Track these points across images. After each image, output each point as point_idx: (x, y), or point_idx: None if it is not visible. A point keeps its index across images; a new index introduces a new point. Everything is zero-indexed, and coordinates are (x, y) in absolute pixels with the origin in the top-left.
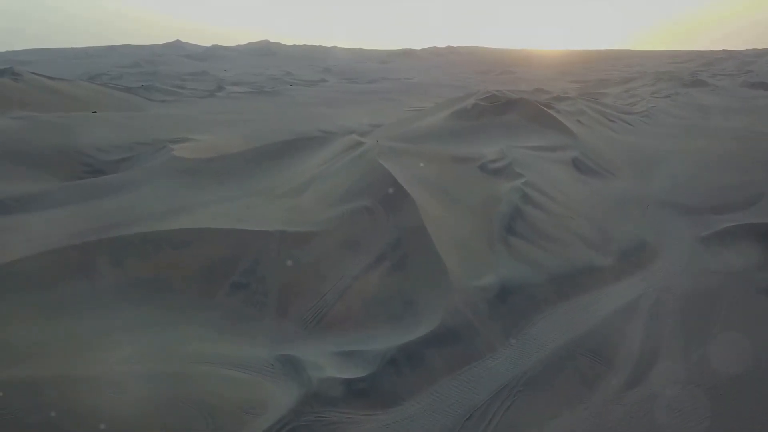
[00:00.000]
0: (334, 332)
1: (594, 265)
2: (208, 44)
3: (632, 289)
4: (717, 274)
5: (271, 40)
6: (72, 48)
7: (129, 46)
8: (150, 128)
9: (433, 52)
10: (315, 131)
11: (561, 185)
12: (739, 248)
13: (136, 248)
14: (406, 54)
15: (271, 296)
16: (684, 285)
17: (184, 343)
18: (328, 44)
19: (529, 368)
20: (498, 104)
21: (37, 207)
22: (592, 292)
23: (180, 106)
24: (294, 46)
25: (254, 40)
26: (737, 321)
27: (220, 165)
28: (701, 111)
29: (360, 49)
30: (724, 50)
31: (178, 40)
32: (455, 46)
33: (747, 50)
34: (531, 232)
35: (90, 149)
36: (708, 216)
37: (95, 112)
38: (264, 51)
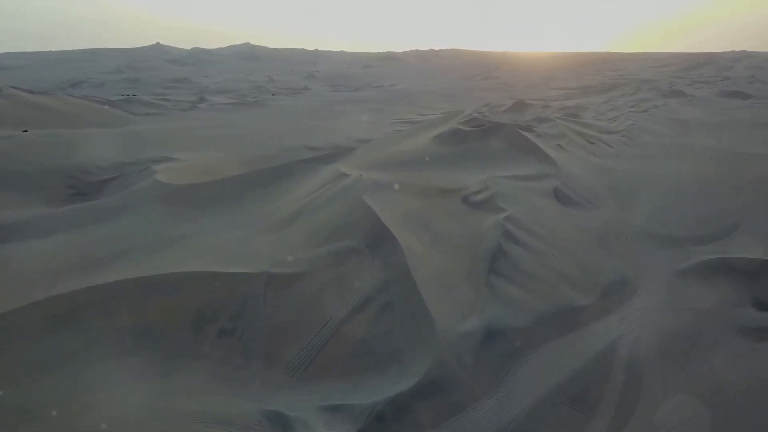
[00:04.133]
0: (321, 381)
1: (575, 305)
2: (188, 47)
3: (613, 329)
4: (694, 311)
5: (253, 43)
6: (51, 51)
7: (109, 49)
8: (134, 146)
9: (416, 56)
10: (301, 147)
11: (542, 219)
12: (716, 283)
13: (125, 296)
14: (390, 58)
15: (258, 342)
16: (663, 323)
17: (172, 400)
18: (310, 47)
19: (513, 418)
20: (479, 130)
21: (23, 236)
22: (573, 333)
23: (163, 120)
24: (276, 49)
25: (236, 43)
26: (715, 361)
27: (206, 192)
28: (680, 127)
29: (342, 51)
30: (703, 53)
31: (158, 44)
32: (437, 49)
33: (725, 52)
34: (513, 271)
35: (74, 170)
36: (686, 247)
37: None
38: (246, 55)
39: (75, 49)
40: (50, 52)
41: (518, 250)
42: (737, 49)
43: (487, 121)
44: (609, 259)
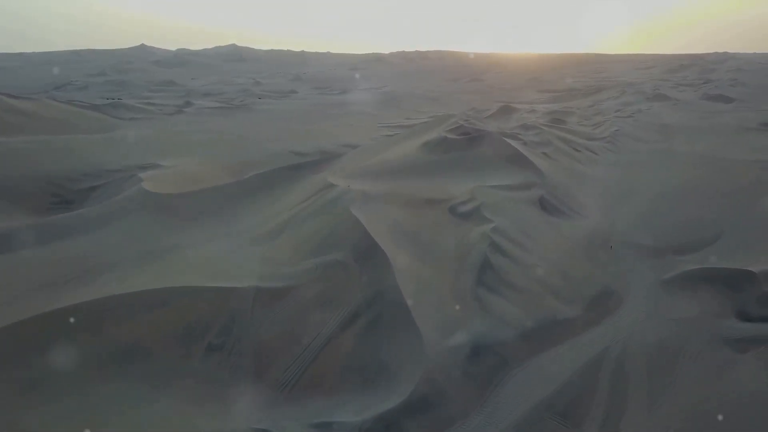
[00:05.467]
0: (310, 398)
1: (561, 317)
2: (173, 47)
3: (598, 341)
4: (678, 322)
5: (239, 44)
6: (35, 53)
7: (94, 51)
8: (119, 152)
9: (403, 58)
10: (287, 153)
11: (528, 229)
12: (698, 293)
13: (112, 312)
14: (376, 59)
15: (247, 357)
16: (647, 335)
17: (161, 419)
18: (296, 48)
19: None
20: (466, 138)
21: (6, 247)
22: (559, 346)
23: (148, 125)
24: (262, 50)
25: (221, 44)
26: (698, 373)
27: (192, 202)
28: (664, 132)
29: (328, 53)
30: (686, 54)
31: (143, 45)
32: (423, 50)
33: (708, 54)
34: (500, 284)
35: (59, 178)
36: (670, 257)
37: None
38: (232, 56)
39: (59, 50)
40: (34, 53)
41: (505, 262)
42: (720, 50)
43: (473, 129)
44: (594, 270)
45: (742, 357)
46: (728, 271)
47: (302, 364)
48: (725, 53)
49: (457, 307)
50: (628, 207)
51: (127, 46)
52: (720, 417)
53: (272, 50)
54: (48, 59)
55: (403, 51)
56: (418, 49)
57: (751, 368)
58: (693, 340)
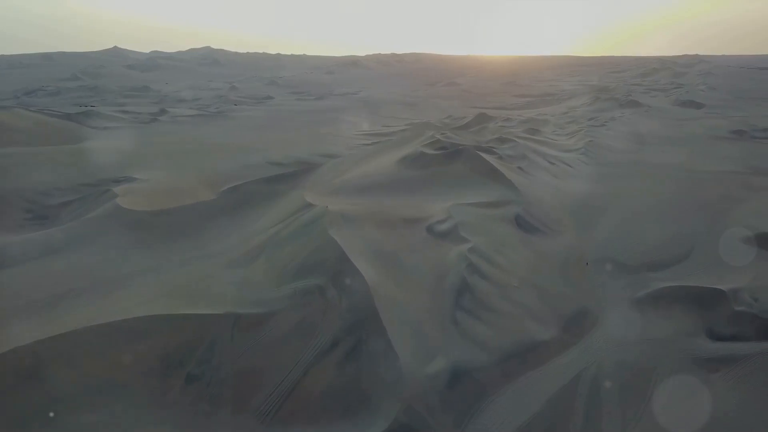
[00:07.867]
0: (290, 427)
1: (538, 339)
2: (147, 50)
3: (574, 363)
4: (651, 342)
5: (214, 46)
6: (4, 56)
7: (65, 53)
8: (93, 165)
9: (379, 61)
10: (264, 163)
11: (505, 248)
12: (671, 312)
13: (90, 345)
14: (352, 63)
15: (226, 387)
16: (620, 356)
17: None
18: (272, 51)
19: None
20: (442, 153)
21: None
22: (536, 369)
23: (122, 135)
24: (237, 53)
25: (196, 46)
26: (671, 394)
27: (168, 220)
28: (637, 141)
29: (304, 55)
30: (657, 57)
31: (116, 47)
32: (399, 53)
33: (679, 56)
34: (478, 306)
35: (32, 192)
36: (643, 274)
37: None
38: (207, 59)
39: (30, 53)
40: (3, 56)
41: (482, 283)
42: (691, 53)
43: (450, 143)
44: (569, 289)
45: (713, 377)
46: (699, 289)
47: (282, 394)
48: (696, 56)
49: (436, 332)
50: (602, 222)
51: (99, 49)
52: None
53: (248, 53)
54: (18, 62)
55: (379, 53)
56: (393, 51)
57: (721, 388)
58: (665, 360)
